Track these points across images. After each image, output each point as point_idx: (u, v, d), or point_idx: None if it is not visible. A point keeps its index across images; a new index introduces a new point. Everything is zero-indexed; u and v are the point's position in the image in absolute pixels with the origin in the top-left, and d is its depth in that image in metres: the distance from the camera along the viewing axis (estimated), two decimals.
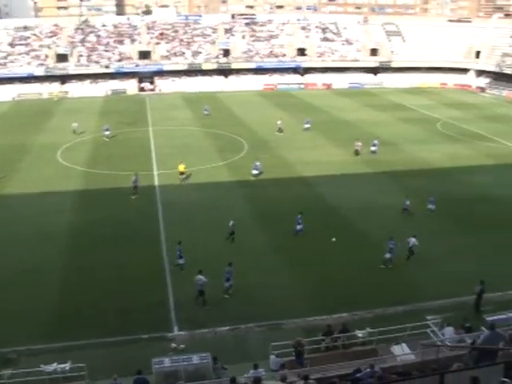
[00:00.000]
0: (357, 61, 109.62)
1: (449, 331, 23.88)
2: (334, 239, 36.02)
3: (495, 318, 24.65)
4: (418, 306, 28.28)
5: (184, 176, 47.57)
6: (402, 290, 30.03)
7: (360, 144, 56.10)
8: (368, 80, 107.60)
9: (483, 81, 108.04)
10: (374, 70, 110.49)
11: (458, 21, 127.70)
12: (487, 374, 12.59)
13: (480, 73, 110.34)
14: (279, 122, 65.64)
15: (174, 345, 24.78)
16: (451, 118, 75.38)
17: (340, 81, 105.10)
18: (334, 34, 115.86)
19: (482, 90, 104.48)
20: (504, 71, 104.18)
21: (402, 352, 23.14)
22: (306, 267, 32.36)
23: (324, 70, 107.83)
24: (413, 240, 33.70)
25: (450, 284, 30.52)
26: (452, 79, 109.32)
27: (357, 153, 55.49)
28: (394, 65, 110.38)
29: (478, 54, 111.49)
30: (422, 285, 30.73)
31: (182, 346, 24.67)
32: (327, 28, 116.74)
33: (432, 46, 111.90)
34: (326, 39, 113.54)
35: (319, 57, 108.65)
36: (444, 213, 41.23)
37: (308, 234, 36.72)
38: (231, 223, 35.76)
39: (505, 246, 35.59)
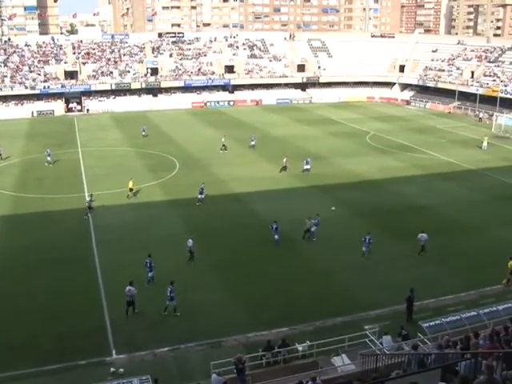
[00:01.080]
0: (285, 77, 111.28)
1: (387, 340, 24.35)
2: (333, 208, 42.84)
3: (431, 323, 25.36)
4: (356, 317, 28.71)
5: (133, 192, 47.81)
6: (340, 301, 30.40)
7: (285, 160, 55.75)
8: (296, 95, 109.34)
9: (408, 94, 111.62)
10: (302, 86, 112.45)
11: (382, 36, 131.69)
12: (425, 379, 12.91)
13: (404, 86, 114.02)
14: (223, 140, 65.63)
15: (112, 369, 24.22)
16: (379, 131, 77.42)
17: (269, 97, 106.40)
18: (261, 50, 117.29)
19: (407, 102, 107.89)
20: (427, 84, 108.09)
21: (342, 363, 23.44)
22: (244, 283, 32.35)
23: (253, 86, 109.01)
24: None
25: (385, 293, 31.14)
26: (378, 93, 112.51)
27: (284, 169, 55.64)
28: (321, 80, 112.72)
29: (401, 68, 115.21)
30: (358, 295, 31.20)
31: (121, 369, 24.14)
32: (254, 45, 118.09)
33: (357, 60, 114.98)
34: (253, 56, 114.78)
35: (247, 74, 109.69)
36: (375, 223, 42.19)
37: (243, 249, 36.85)
38: (190, 242, 35.35)
39: (436, 253, 36.69)
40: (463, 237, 39.75)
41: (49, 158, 58.76)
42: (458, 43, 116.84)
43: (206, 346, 26.25)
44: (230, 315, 28.93)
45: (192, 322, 28.17)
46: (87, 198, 44.67)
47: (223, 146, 64.88)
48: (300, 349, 24.99)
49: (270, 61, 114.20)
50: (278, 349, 24.40)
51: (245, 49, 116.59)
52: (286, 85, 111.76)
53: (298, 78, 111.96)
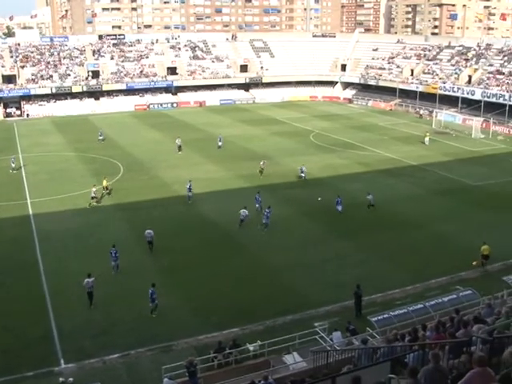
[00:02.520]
0: (228, 77, 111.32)
1: (337, 336, 24.64)
2: (319, 199, 45.28)
3: (379, 317, 25.79)
4: (306, 314, 28.93)
5: (107, 191, 48.91)
6: (289, 299, 30.56)
7: (262, 163, 55.18)
8: (240, 96, 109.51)
9: (350, 92, 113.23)
10: (246, 86, 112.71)
11: (323, 36, 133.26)
12: (375, 372, 13.11)
13: (346, 85, 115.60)
14: (177, 141, 65.55)
15: (61, 379, 23.65)
16: (323, 130, 78.28)
17: (212, 98, 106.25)
18: (203, 51, 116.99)
19: (350, 101, 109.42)
20: (368, 82, 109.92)
21: (293, 361, 23.59)
22: (193, 285, 32.15)
23: (196, 88, 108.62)
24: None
25: (334, 289, 31.51)
26: (321, 92, 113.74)
27: (261, 172, 54.49)
28: (264, 80, 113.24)
29: (343, 67, 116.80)
30: (307, 292, 31.45)
31: (70, 379, 23.59)
32: (197, 46, 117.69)
33: (300, 60, 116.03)
34: (196, 57, 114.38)
35: (190, 75, 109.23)
36: (321, 219, 42.80)
37: (191, 251, 36.71)
38: (150, 233, 36.83)
39: (381, 248, 37.36)
40: (407, 231, 40.59)
41: (13, 165, 57.39)
42: (398, 42, 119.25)
43: (156, 350, 25.99)
44: (179, 318, 28.73)
45: (142, 327, 27.85)
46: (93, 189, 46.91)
47: (179, 146, 65.03)
48: (251, 349, 25.05)
49: (213, 62, 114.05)
50: (229, 350, 24.41)
51: (187, 50, 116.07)
52: (229, 85, 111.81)
53: (241, 78, 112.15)
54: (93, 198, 46.24)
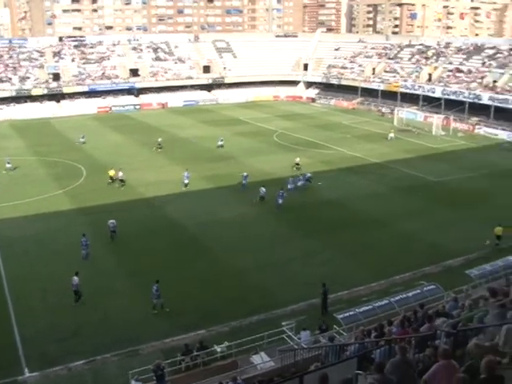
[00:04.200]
0: (190, 78, 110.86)
1: (305, 335, 24.68)
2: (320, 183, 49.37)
3: (345, 315, 25.92)
4: (272, 314, 28.94)
5: (116, 181, 51.55)
6: (255, 299, 30.55)
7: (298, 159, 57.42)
8: (203, 97, 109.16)
9: (313, 92, 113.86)
10: (208, 87, 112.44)
11: (285, 36, 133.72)
12: (343, 369, 13.13)
13: (309, 84, 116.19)
14: (160, 140, 66.59)
15: None
16: (286, 129, 78.53)
17: (175, 99, 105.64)
18: (165, 53, 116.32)
19: (313, 100, 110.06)
20: (331, 82, 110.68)
21: (261, 361, 23.57)
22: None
23: (159, 89, 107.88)
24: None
25: (300, 288, 31.57)
26: (284, 92, 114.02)
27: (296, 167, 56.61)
28: (227, 81, 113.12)
29: (305, 66, 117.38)
30: (274, 292, 31.47)
31: None
32: (159, 47, 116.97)
33: (262, 60, 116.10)
34: (158, 59, 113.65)
35: (153, 76, 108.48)
36: (286, 218, 42.96)
37: (156, 253, 36.41)
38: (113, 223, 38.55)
39: (346, 246, 37.63)
40: (371, 229, 40.94)
41: (8, 166, 57.47)
42: (359, 41, 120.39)
43: (122, 355, 25.66)
44: (145, 321, 28.44)
45: (107, 331, 27.49)
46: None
47: (158, 145, 65.93)
48: (219, 350, 24.95)
49: (175, 63, 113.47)
50: (196, 352, 24.26)
51: (149, 51, 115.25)
52: (192, 86, 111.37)
53: (204, 79, 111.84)
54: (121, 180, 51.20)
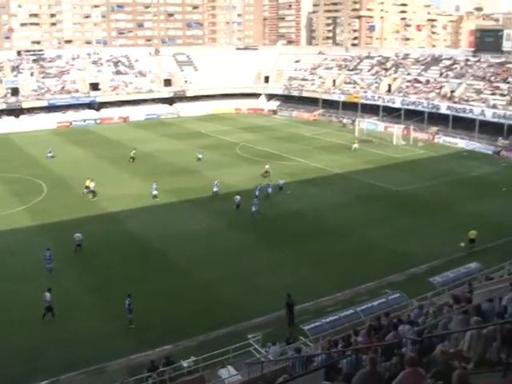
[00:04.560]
0: (151, 92, 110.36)
1: (274, 350, 24.53)
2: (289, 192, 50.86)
3: (312, 325, 25.96)
4: (239, 327, 28.82)
5: (88, 191, 52.03)
6: (222, 313, 30.41)
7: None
8: (164, 110, 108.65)
9: (274, 104, 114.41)
10: (170, 101, 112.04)
11: (246, 48, 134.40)
12: (310, 380, 13.15)
13: (270, 96, 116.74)
14: (134, 151, 67.21)
15: None
16: (248, 141, 78.71)
17: (136, 113, 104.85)
18: (126, 66, 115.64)
19: (274, 112, 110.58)
20: (292, 93, 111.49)
21: (228, 374, 23.38)
22: (122, 303, 31.25)
23: (120, 103, 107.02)
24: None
25: (267, 300, 31.56)
26: (245, 104, 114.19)
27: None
28: (188, 94, 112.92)
29: (266, 78, 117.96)
30: (240, 304, 31.40)
31: None
32: (119, 61, 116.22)
33: (223, 73, 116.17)
34: (118, 72, 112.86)
35: (113, 90, 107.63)
36: (252, 230, 43.03)
37: (120, 269, 36.01)
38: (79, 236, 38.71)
39: (310, 257, 37.81)
40: (335, 239, 41.27)
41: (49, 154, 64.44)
42: (319, 53, 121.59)
43: (87, 374, 25.22)
44: (110, 338, 28.07)
45: (72, 349, 27.03)
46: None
47: (132, 158, 66.46)
48: (185, 365, 24.72)
49: (136, 76, 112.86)
50: (162, 368, 24.00)
51: (109, 65, 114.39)
52: (154, 100, 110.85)
53: (165, 92, 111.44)
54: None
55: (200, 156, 67.20)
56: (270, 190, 51.79)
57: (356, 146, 72.97)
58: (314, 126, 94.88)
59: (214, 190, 52.04)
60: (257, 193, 49.64)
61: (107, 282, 34.29)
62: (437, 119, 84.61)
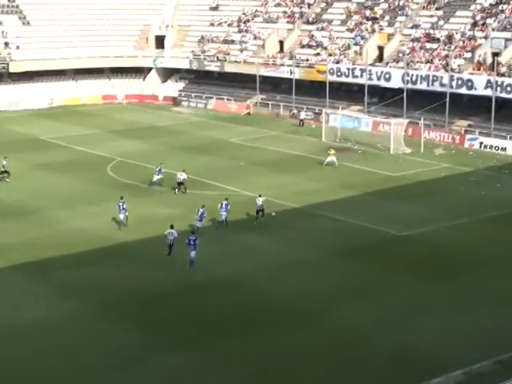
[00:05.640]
0: None
1: None
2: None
3: None
4: None
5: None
6: None
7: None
8: None
9: (175, 87, 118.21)
10: None
11: None
12: None
13: (168, 73, 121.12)
14: (5, 163, 70.85)
15: None
16: (129, 156, 79.36)
17: None
18: None
19: (175, 102, 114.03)
20: (206, 68, 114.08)
21: None
22: None
23: None
24: None
25: None
26: (122, 88, 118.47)
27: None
28: (13, 69, 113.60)
29: (159, 40, 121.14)
30: None
31: None
32: None
33: (79, 30, 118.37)
34: None
35: None
36: (141, 317, 42.53)
37: None
38: None
39: (249, 362, 37.36)
40: (294, 325, 40.39)
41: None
42: None
43: None
44: None
45: None
46: None
47: (5, 171, 70.55)
48: None
49: None
50: None
51: None
52: None
53: None
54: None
55: (158, 176, 67.95)
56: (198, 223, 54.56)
57: (332, 159, 72.65)
58: (249, 124, 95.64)
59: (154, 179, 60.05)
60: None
61: None
62: (467, 107, 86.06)
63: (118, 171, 72.85)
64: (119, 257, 51.05)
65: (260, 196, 56.62)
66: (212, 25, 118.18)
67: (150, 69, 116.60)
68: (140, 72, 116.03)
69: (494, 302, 42.69)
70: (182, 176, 63.60)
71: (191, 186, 66.68)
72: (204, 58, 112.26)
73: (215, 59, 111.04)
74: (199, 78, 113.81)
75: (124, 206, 56.09)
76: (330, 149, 75.28)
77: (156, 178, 66.54)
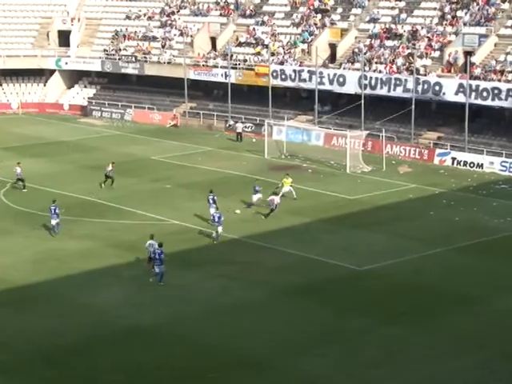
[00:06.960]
0: None
1: None
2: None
3: None
4: None
5: None
6: None
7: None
8: None
9: (83, 93, 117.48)
10: None
11: None
12: None
13: (76, 77, 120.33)
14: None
15: None
16: (29, 178, 78.09)
17: None
18: None
19: (84, 111, 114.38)
20: (122, 70, 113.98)
21: None
22: None
23: None
24: None
25: None
26: (17, 93, 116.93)
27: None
28: None
29: (64, 36, 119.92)
30: None
31: None
32: None
33: None
34: None
35: None
36: None
37: None
38: None
39: None
40: None
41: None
42: None
43: None
44: None
45: None
46: None
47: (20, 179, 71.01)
48: None
49: None
50: None
51: None
52: None
53: None
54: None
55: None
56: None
57: (290, 189, 71.02)
58: (175, 139, 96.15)
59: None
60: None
61: None
62: (436, 116, 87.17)
63: (13, 197, 72.64)
64: (18, 302, 50.78)
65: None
66: (128, 18, 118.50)
67: (52, 71, 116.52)
68: (40, 75, 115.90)
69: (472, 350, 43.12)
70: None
71: (103, 213, 66.67)
72: (119, 59, 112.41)
73: (133, 60, 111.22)
74: (114, 83, 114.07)
75: (57, 210, 60.68)
76: (286, 176, 72.76)
77: (255, 198, 66.03)
